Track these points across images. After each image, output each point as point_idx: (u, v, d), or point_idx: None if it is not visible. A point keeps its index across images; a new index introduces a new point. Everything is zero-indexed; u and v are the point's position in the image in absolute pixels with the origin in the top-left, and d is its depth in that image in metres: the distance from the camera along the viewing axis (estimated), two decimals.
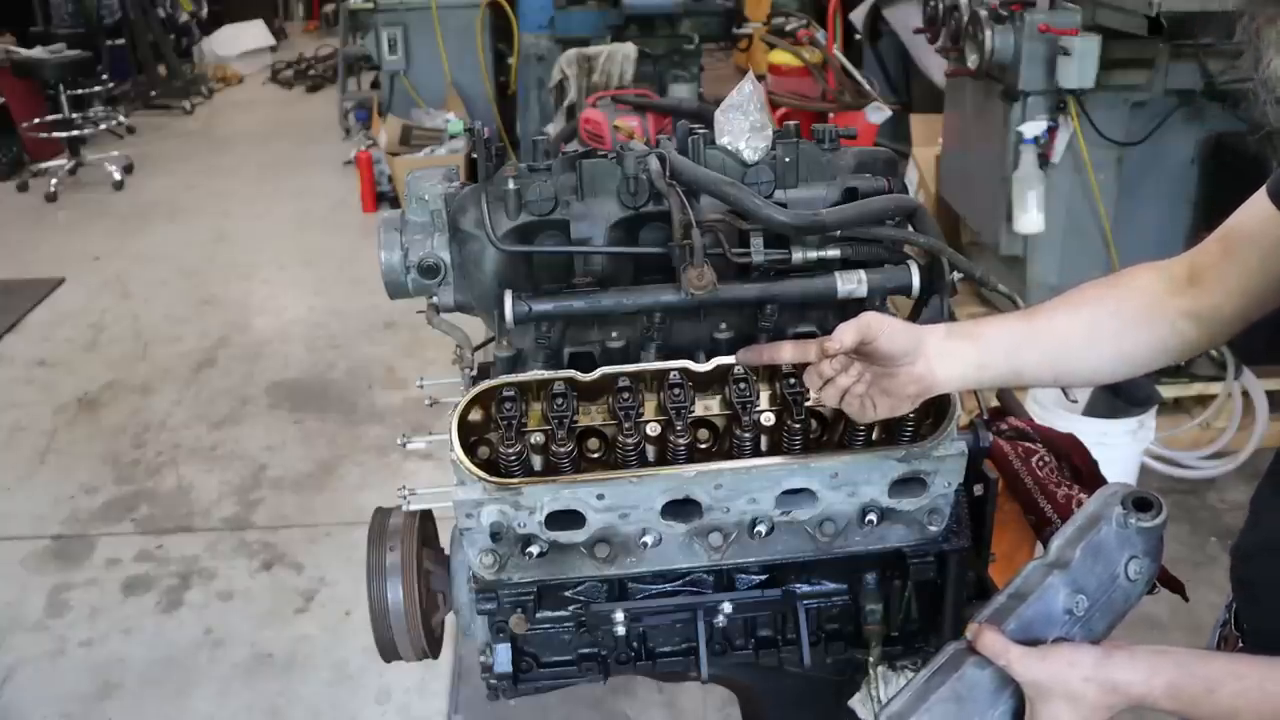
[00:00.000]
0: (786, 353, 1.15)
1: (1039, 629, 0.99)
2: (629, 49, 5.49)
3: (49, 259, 5.87)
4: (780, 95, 5.13)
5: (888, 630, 1.40)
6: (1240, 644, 1.13)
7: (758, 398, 1.26)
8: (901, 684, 1.44)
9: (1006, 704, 0.99)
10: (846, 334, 1.08)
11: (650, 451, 1.25)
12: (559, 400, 1.24)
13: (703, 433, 1.28)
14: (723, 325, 1.40)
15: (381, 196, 6.49)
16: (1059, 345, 1.14)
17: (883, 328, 1.08)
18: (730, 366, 1.26)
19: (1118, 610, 1.02)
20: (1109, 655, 0.96)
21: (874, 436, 1.27)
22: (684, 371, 1.26)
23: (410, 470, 3.60)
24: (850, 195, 1.42)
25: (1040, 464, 1.52)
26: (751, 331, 1.40)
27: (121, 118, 8.16)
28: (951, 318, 1.40)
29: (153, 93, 9.38)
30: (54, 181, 6.90)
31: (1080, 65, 3.26)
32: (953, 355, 1.12)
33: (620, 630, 1.33)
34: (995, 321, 1.16)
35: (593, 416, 1.28)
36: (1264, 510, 1.12)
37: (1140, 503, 1.01)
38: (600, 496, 1.21)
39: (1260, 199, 1.08)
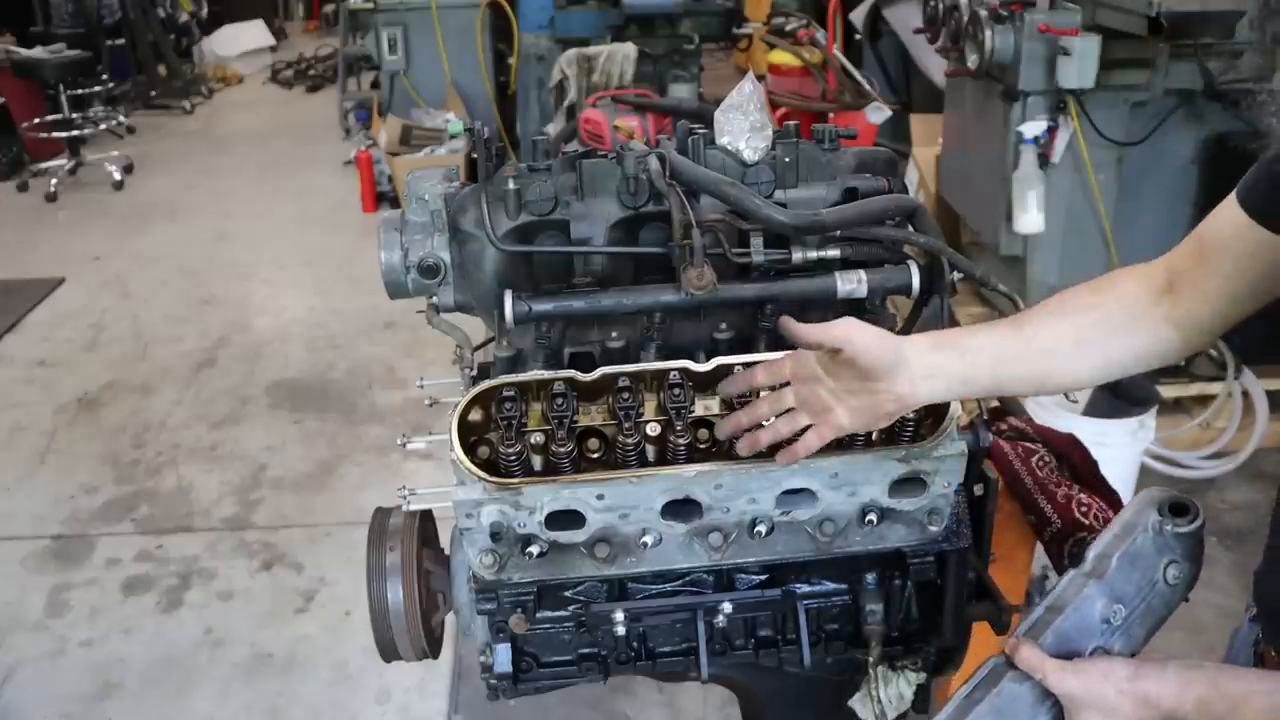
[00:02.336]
0: (760, 377, 1.17)
1: (1077, 640, 1.00)
2: (629, 49, 5.49)
3: (49, 259, 5.87)
4: (780, 95, 5.14)
5: (888, 630, 1.40)
6: None
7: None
8: (901, 684, 1.45)
9: (1046, 717, 1.00)
10: (813, 334, 1.09)
11: (650, 451, 1.25)
12: (559, 400, 1.24)
13: (703, 433, 1.28)
14: (723, 325, 1.40)
15: (381, 196, 6.49)
16: (1045, 358, 1.13)
17: (855, 341, 1.07)
18: (730, 366, 1.26)
19: (1158, 615, 1.02)
20: (1142, 669, 0.97)
21: (874, 436, 1.27)
22: (684, 371, 1.26)
23: (410, 470, 3.60)
24: (850, 195, 1.42)
25: (1040, 464, 1.52)
26: (751, 331, 1.40)
27: (121, 118, 8.16)
28: (952, 318, 1.40)
29: (153, 93, 9.38)
30: (54, 181, 6.90)
31: (1080, 65, 3.26)
32: (937, 373, 1.11)
33: (620, 630, 1.33)
34: (983, 333, 1.14)
35: (593, 416, 1.28)
36: None
37: (1177, 507, 1.02)
38: (600, 496, 1.21)
39: (1230, 206, 1.07)
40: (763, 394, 1.20)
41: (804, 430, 1.17)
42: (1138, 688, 0.96)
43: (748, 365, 1.24)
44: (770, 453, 1.20)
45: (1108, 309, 1.13)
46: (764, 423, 1.19)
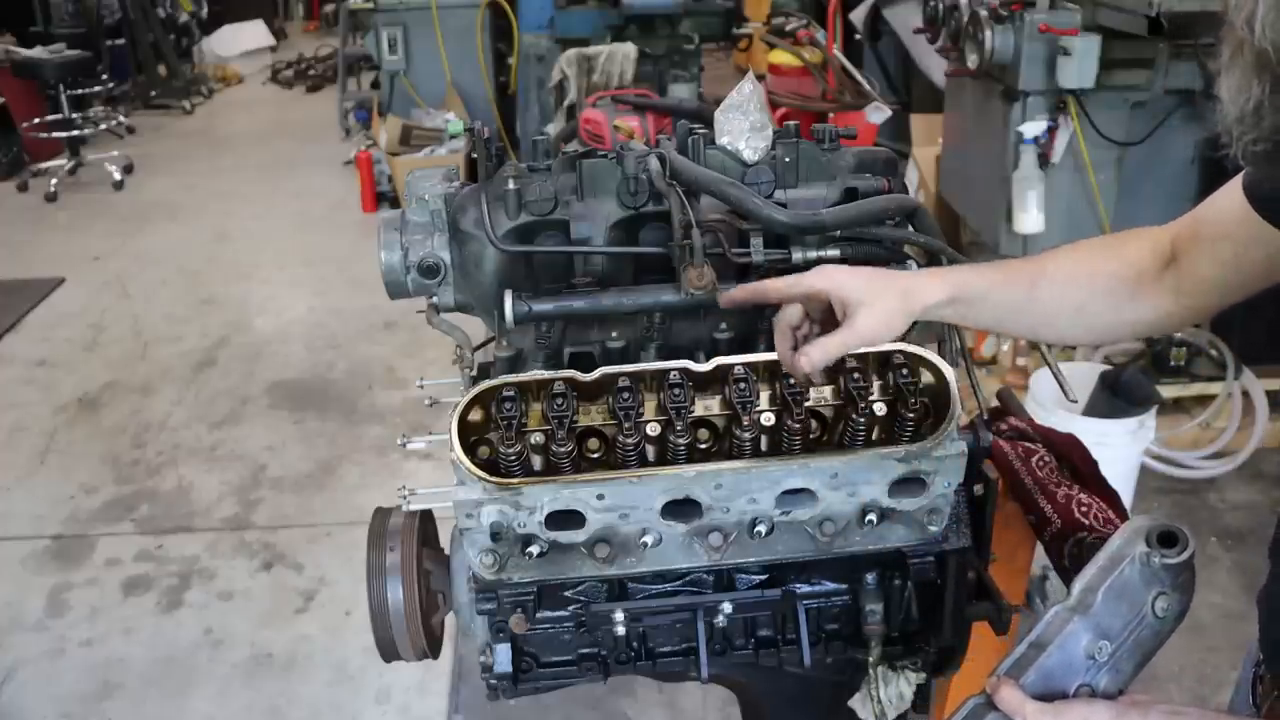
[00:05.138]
0: (771, 294, 1.18)
1: (1060, 678, 0.98)
2: (629, 49, 5.48)
3: (49, 259, 5.87)
4: (780, 95, 5.13)
5: (888, 630, 1.39)
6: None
7: (758, 398, 1.26)
8: (902, 684, 1.45)
9: None
10: (830, 348, 1.10)
11: (650, 451, 1.25)
12: (559, 400, 1.24)
13: (703, 433, 1.28)
14: (723, 325, 1.40)
15: (381, 196, 6.49)
16: (1049, 316, 1.16)
17: (865, 337, 1.10)
18: (730, 366, 1.26)
19: (1147, 649, 1.00)
20: (1124, 714, 0.94)
21: (874, 436, 1.27)
22: (684, 371, 1.26)
23: (410, 470, 3.60)
24: (850, 195, 1.42)
25: (1040, 464, 1.52)
26: (751, 332, 1.40)
27: (121, 118, 8.17)
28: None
29: (153, 93, 9.39)
30: (54, 181, 6.90)
31: (1080, 65, 3.27)
32: (938, 319, 1.16)
33: (620, 630, 1.33)
34: (1001, 286, 1.15)
35: (593, 416, 1.28)
36: None
37: (1165, 537, 0.99)
38: (600, 496, 1.21)
39: (1234, 193, 1.07)
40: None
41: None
42: None
43: (748, 366, 1.25)
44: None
45: (1122, 277, 1.14)
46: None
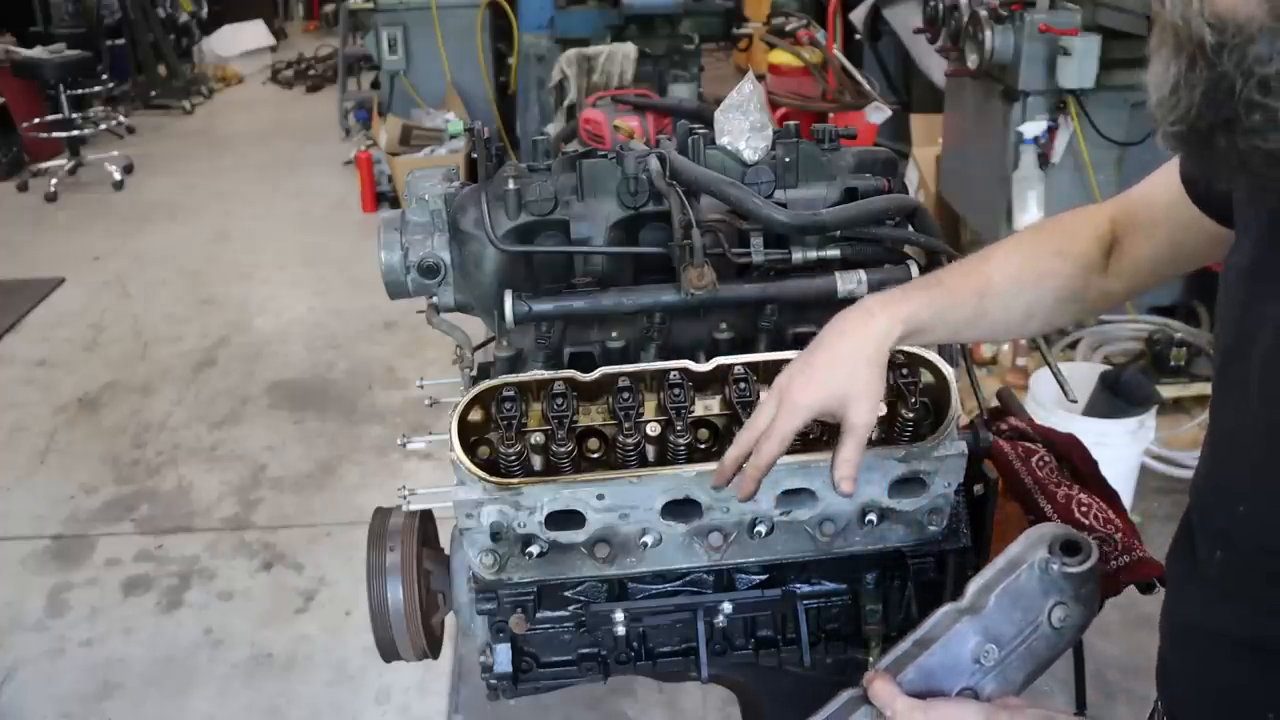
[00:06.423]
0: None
1: (942, 679, 0.94)
2: (629, 49, 5.49)
3: (49, 259, 5.87)
4: (780, 95, 5.14)
5: (888, 630, 1.39)
6: None
7: (758, 398, 1.26)
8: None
9: None
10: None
11: (650, 451, 1.25)
12: (559, 400, 1.24)
13: (703, 433, 1.28)
14: (723, 325, 1.40)
15: (381, 196, 6.49)
16: (999, 325, 1.19)
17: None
18: (730, 366, 1.26)
19: (1040, 659, 0.96)
20: (994, 716, 0.92)
21: (874, 436, 1.27)
22: (684, 371, 1.26)
23: (410, 470, 3.60)
24: (850, 195, 1.42)
25: (1040, 464, 1.52)
26: (751, 332, 1.40)
27: (121, 118, 8.17)
28: None
29: (153, 93, 9.39)
30: (54, 181, 6.90)
31: (1080, 65, 3.27)
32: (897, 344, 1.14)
33: (620, 630, 1.33)
34: (951, 313, 1.13)
35: (593, 416, 1.28)
36: (1175, 577, 1.07)
37: (1068, 546, 0.95)
38: (600, 496, 1.21)
39: (1168, 176, 1.08)
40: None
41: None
42: None
43: (748, 366, 1.25)
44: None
45: (1070, 277, 1.15)
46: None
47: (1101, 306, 1.23)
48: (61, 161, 7.20)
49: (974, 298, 1.14)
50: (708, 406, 1.28)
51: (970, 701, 0.94)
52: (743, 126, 1.43)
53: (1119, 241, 1.15)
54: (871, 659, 1.39)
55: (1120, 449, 2.97)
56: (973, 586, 0.97)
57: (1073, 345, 3.73)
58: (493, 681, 1.40)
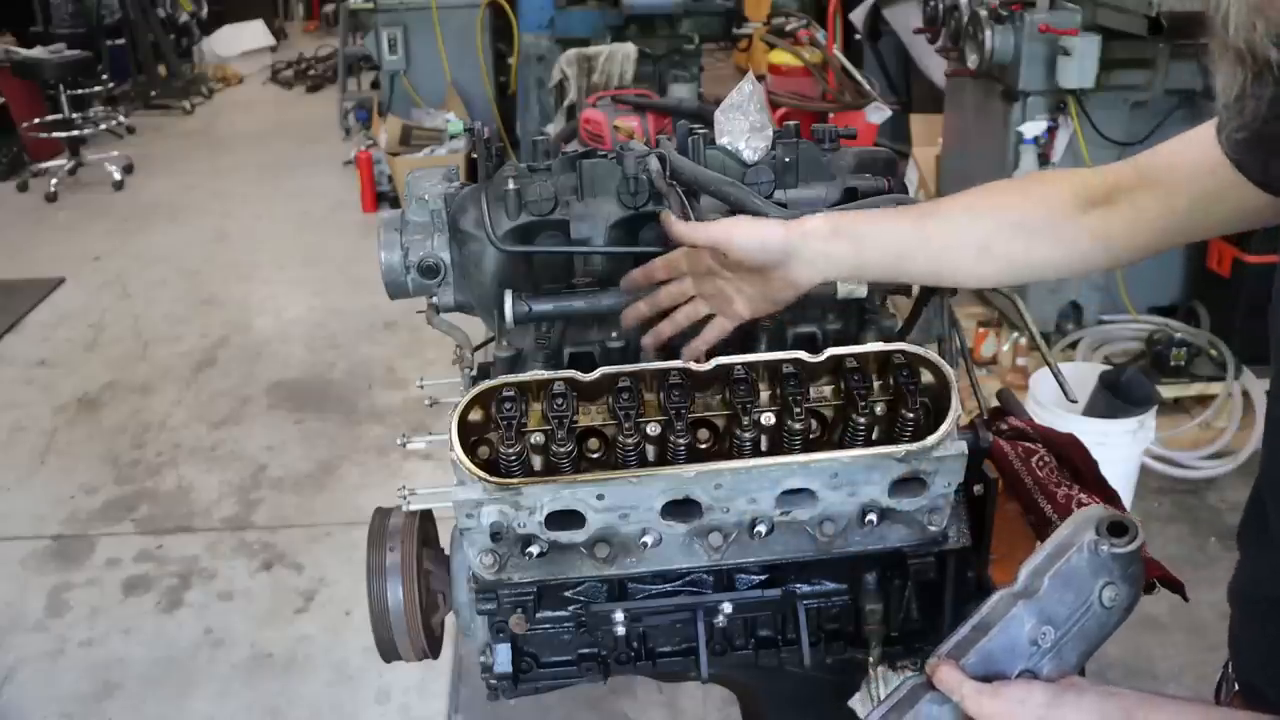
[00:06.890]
0: (658, 271, 1.26)
1: (1002, 662, 0.97)
2: (629, 49, 5.49)
3: (49, 259, 5.87)
4: (780, 95, 5.13)
5: (888, 630, 1.40)
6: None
7: (758, 398, 1.26)
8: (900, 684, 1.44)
9: None
10: (694, 234, 1.17)
11: (650, 451, 1.24)
12: (559, 400, 1.24)
13: (703, 433, 1.28)
14: None
15: (381, 196, 6.49)
16: (949, 253, 1.14)
17: (735, 239, 1.14)
18: (730, 366, 1.26)
19: (1092, 639, 0.99)
20: (1061, 695, 0.94)
21: (874, 436, 1.27)
22: (684, 371, 1.26)
23: (410, 470, 3.61)
24: (850, 195, 1.42)
25: (1040, 464, 1.52)
26: (751, 331, 1.40)
27: (121, 118, 8.17)
28: (952, 317, 1.40)
29: (153, 93, 9.39)
30: (54, 181, 6.90)
31: (1080, 65, 3.27)
32: (831, 260, 1.15)
33: (620, 630, 1.33)
34: (886, 222, 1.15)
35: (593, 416, 1.28)
36: (1247, 549, 1.10)
37: (1115, 527, 0.98)
38: (600, 496, 1.21)
39: (1205, 140, 1.01)
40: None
41: (706, 323, 1.25)
42: (1054, 714, 0.93)
43: (748, 366, 1.25)
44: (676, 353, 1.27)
45: (1027, 212, 1.12)
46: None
47: (1075, 264, 1.14)
48: (61, 161, 7.20)
49: (913, 217, 1.15)
50: (708, 406, 1.28)
51: (1035, 682, 0.96)
52: (743, 126, 1.43)
53: (1119, 202, 1.08)
54: (871, 659, 1.39)
55: (1120, 449, 2.97)
56: (1024, 571, 0.99)
57: (1073, 345, 3.73)
58: (493, 682, 1.40)
